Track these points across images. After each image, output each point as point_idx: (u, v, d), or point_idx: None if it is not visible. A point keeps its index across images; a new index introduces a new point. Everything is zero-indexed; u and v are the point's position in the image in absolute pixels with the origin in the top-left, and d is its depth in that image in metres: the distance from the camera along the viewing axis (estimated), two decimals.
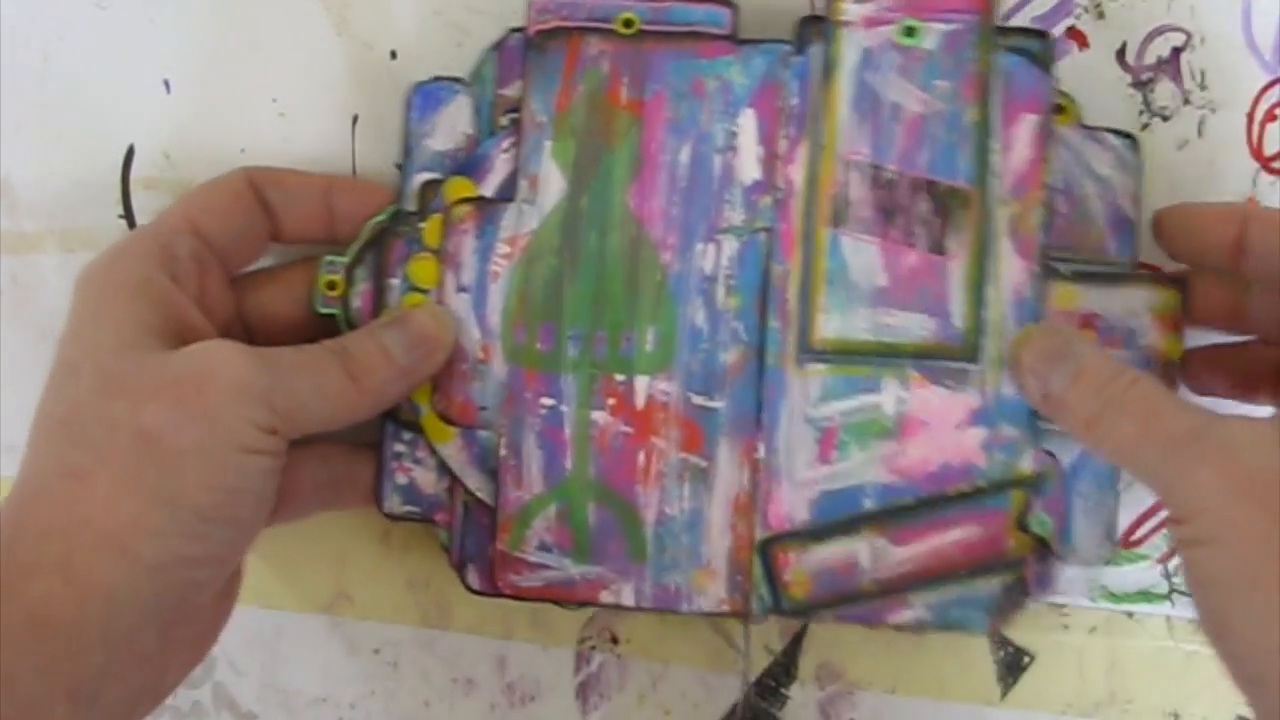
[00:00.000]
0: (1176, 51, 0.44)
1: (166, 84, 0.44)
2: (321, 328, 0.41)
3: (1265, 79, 0.44)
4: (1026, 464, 0.40)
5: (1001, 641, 0.44)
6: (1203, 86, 0.44)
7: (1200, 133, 0.44)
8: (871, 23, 0.41)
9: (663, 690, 0.45)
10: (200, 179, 0.44)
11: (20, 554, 0.33)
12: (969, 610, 0.40)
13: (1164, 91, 0.44)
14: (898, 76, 0.40)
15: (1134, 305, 0.40)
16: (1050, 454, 0.40)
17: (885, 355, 0.40)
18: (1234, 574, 0.33)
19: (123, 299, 0.36)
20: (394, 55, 0.44)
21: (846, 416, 0.41)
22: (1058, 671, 0.44)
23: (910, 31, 0.40)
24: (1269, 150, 0.44)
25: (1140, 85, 0.44)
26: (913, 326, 0.40)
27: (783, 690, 0.44)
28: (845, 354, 0.40)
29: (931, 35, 0.40)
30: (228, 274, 0.40)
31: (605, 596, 0.41)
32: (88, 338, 0.36)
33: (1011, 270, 0.40)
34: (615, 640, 0.45)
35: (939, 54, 0.40)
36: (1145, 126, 0.44)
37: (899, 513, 0.40)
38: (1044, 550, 0.40)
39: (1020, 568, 0.40)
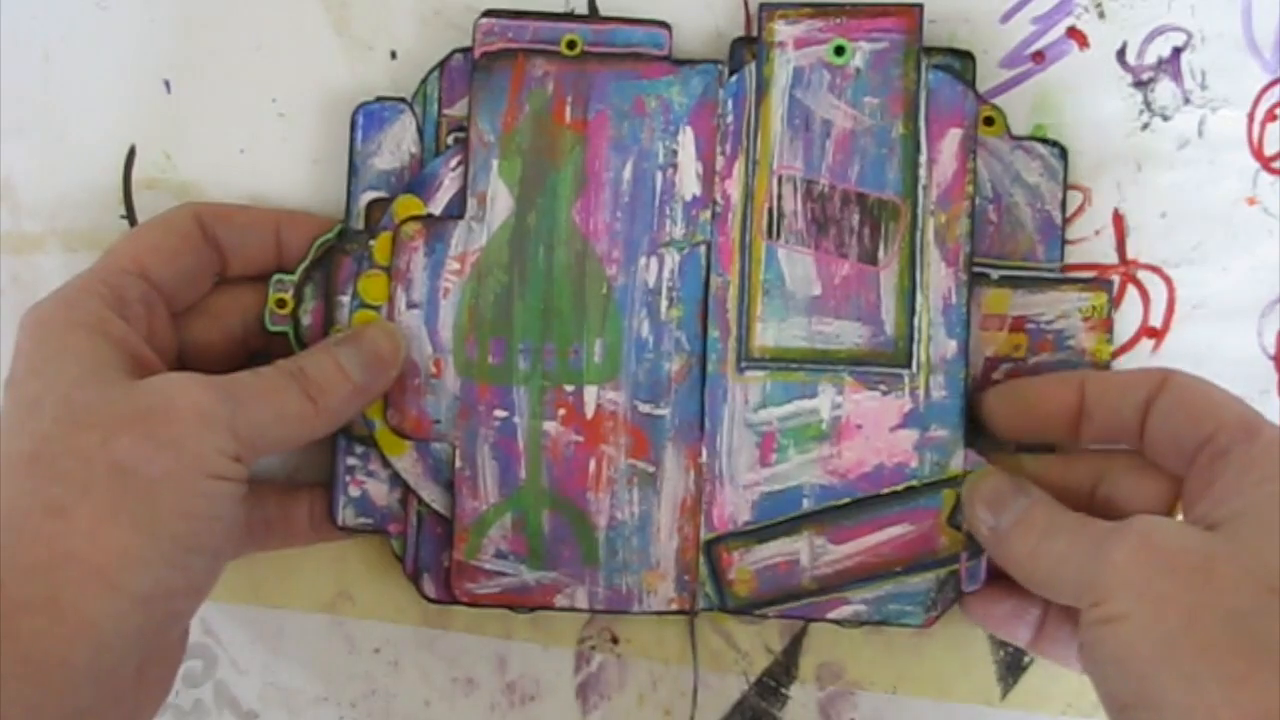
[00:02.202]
0: (1176, 51, 0.44)
1: (166, 84, 0.44)
2: (252, 357, 0.42)
3: (1265, 79, 0.44)
4: (957, 464, 0.42)
5: (1001, 642, 0.44)
6: (1203, 86, 0.44)
7: (1200, 133, 0.44)
8: (802, 43, 0.42)
9: (663, 690, 0.45)
10: (201, 179, 0.44)
11: (9, 592, 0.33)
12: (905, 605, 0.42)
13: (1164, 91, 0.44)
14: (828, 94, 0.42)
15: (1063, 308, 0.43)
16: (980, 453, 0.42)
17: (821, 362, 0.42)
18: (1156, 645, 0.33)
19: (80, 337, 0.37)
20: (394, 55, 0.44)
21: (785, 421, 0.42)
22: (1058, 671, 0.44)
23: (840, 51, 0.42)
24: (1269, 150, 0.44)
25: (1140, 85, 0.44)
26: (847, 334, 0.42)
27: (783, 690, 0.45)
28: (783, 361, 0.42)
29: (860, 54, 0.42)
30: (172, 313, 0.41)
31: (560, 600, 0.42)
32: (49, 374, 0.36)
33: (939, 278, 0.42)
34: (615, 640, 0.45)
35: (867, 72, 0.42)
36: (1145, 126, 0.44)
37: (837, 512, 0.42)
38: (974, 547, 0.42)
39: (953, 563, 0.42)
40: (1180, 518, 0.38)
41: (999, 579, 0.41)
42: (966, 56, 0.42)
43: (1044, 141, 0.43)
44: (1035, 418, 0.41)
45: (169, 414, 0.35)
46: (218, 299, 0.42)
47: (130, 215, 0.45)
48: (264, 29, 0.44)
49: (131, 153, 0.44)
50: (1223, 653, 0.32)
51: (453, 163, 0.42)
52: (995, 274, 0.43)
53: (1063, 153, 0.43)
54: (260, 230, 0.42)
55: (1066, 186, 0.43)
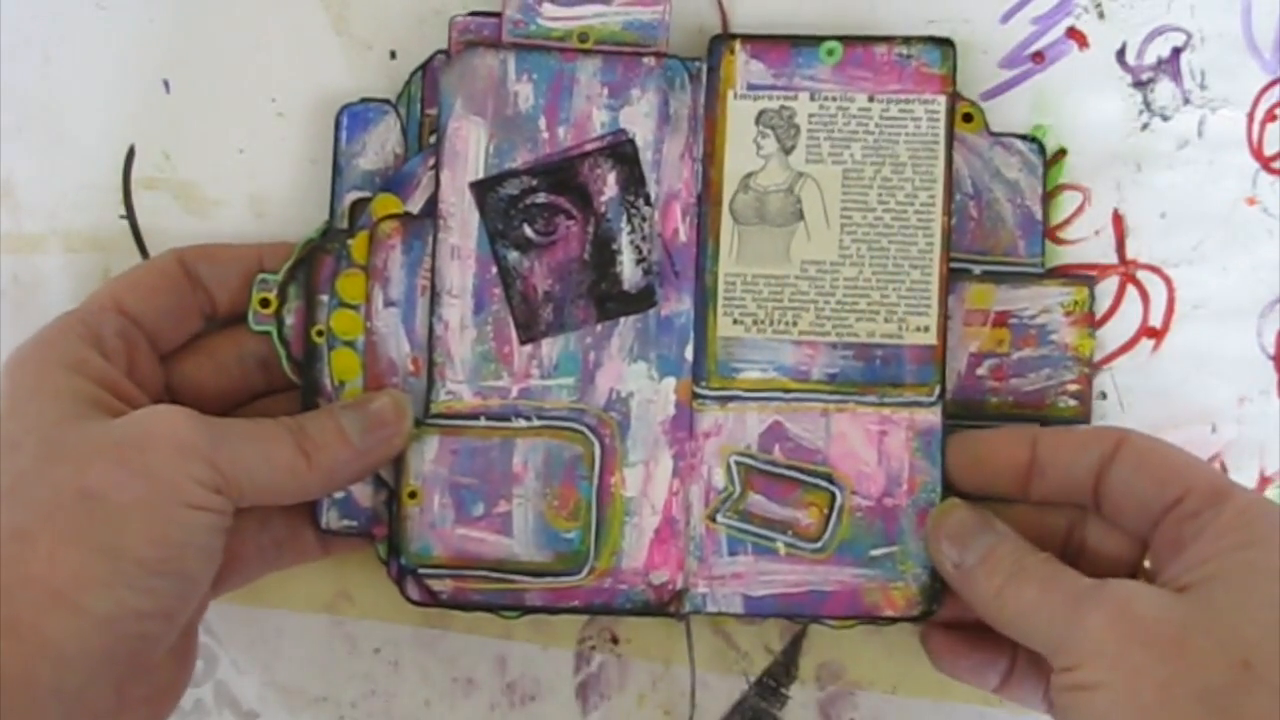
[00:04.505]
0: (1176, 51, 0.44)
1: (166, 84, 0.44)
2: (248, 395, 0.42)
3: (1265, 79, 0.44)
4: None
5: None
6: (1203, 86, 0.44)
7: (1200, 133, 0.44)
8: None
9: (663, 690, 0.45)
10: (200, 179, 0.44)
11: None
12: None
13: (1164, 91, 0.44)
14: None
15: (1045, 303, 0.43)
16: None
17: None
18: (1128, 716, 0.33)
19: (60, 376, 0.37)
20: (394, 55, 0.44)
21: None
22: None
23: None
24: (1269, 150, 0.44)
25: (1140, 85, 0.44)
26: None
27: (783, 690, 0.45)
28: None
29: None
30: (157, 351, 0.41)
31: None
32: (29, 414, 0.37)
33: None
34: (615, 640, 0.45)
35: None
36: (1145, 126, 0.44)
37: None
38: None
39: None
40: (1148, 581, 0.38)
41: (967, 629, 0.41)
42: (946, 44, 0.42)
43: (1022, 138, 0.43)
44: (986, 472, 0.41)
45: (144, 443, 0.36)
46: (211, 338, 0.42)
47: (130, 215, 0.45)
48: (264, 29, 0.44)
49: (131, 152, 0.44)
50: None
51: (430, 161, 0.42)
52: (977, 269, 0.43)
53: (1041, 149, 0.43)
54: (242, 265, 0.42)
55: (1046, 181, 0.43)
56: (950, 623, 0.42)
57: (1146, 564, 0.39)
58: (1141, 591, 0.35)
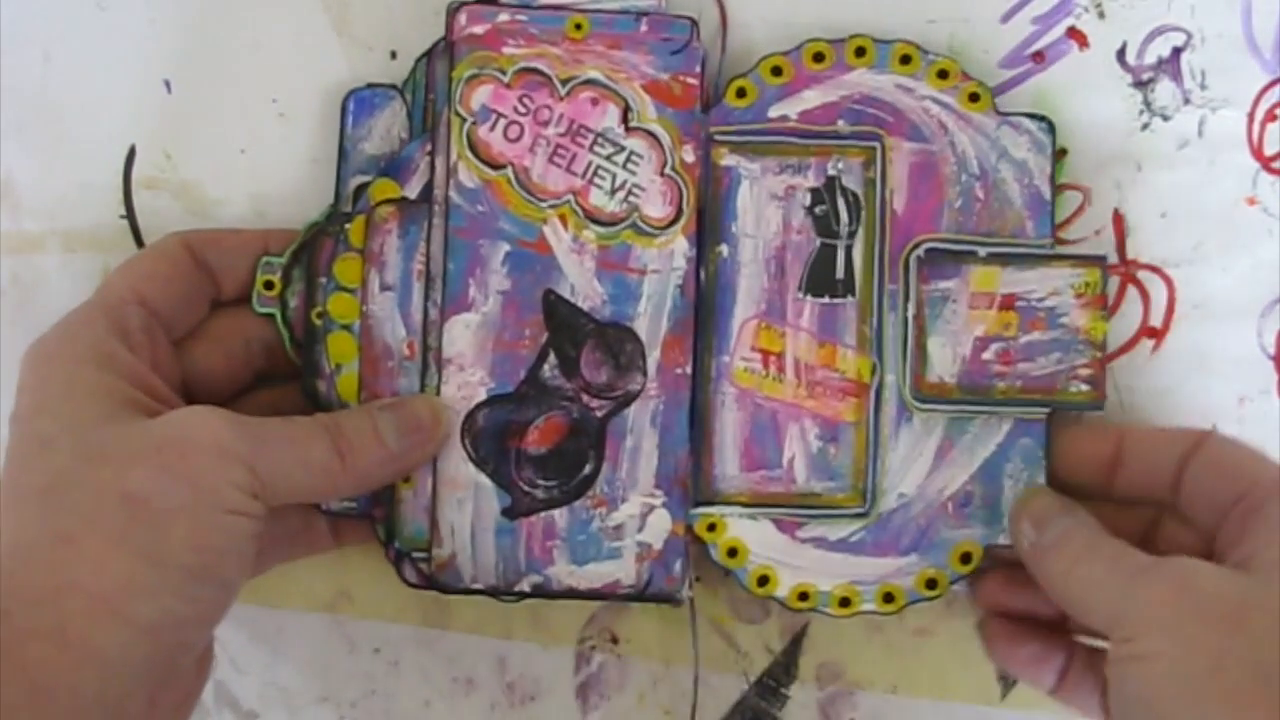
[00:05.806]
0: (1176, 51, 0.44)
1: (166, 84, 0.44)
2: (253, 377, 0.42)
3: (1265, 79, 0.44)
4: None
5: None
6: (1203, 86, 0.44)
7: (1200, 133, 0.44)
8: None
9: (663, 690, 0.45)
10: (201, 179, 0.44)
11: (15, 621, 0.33)
12: None
13: (1164, 91, 0.44)
14: None
15: (1055, 284, 0.42)
16: None
17: None
18: (1181, 688, 0.33)
19: (89, 372, 0.37)
20: (394, 55, 0.44)
21: None
22: None
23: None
24: (1269, 150, 0.44)
25: (1140, 85, 0.44)
26: None
27: (783, 690, 0.45)
28: None
29: None
30: (172, 340, 0.41)
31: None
32: (63, 412, 0.36)
33: None
34: (615, 640, 0.45)
35: None
36: (1145, 126, 0.44)
37: None
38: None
39: None
40: None
41: (1026, 621, 0.42)
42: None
43: (1031, 116, 0.42)
44: (1071, 464, 0.41)
45: (185, 447, 0.35)
46: (218, 322, 0.42)
47: (130, 215, 0.45)
48: (264, 29, 0.44)
49: (131, 152, 0.45)
50: (1246, 701, 0.32)
51: (427, 147, 0.42)
52: (983, 251, 0.42)
53: (1050, 127, 0.42)
54: (249, 251, 0.42)
55: (1055, 160, 0.43)
56: (1009, 614, 0.42)
57: None
58: (1203, 568, 0.35)
